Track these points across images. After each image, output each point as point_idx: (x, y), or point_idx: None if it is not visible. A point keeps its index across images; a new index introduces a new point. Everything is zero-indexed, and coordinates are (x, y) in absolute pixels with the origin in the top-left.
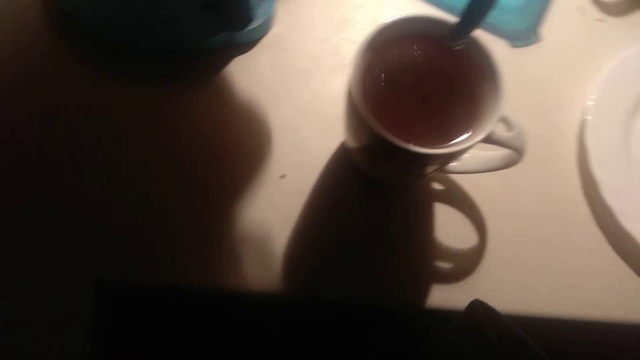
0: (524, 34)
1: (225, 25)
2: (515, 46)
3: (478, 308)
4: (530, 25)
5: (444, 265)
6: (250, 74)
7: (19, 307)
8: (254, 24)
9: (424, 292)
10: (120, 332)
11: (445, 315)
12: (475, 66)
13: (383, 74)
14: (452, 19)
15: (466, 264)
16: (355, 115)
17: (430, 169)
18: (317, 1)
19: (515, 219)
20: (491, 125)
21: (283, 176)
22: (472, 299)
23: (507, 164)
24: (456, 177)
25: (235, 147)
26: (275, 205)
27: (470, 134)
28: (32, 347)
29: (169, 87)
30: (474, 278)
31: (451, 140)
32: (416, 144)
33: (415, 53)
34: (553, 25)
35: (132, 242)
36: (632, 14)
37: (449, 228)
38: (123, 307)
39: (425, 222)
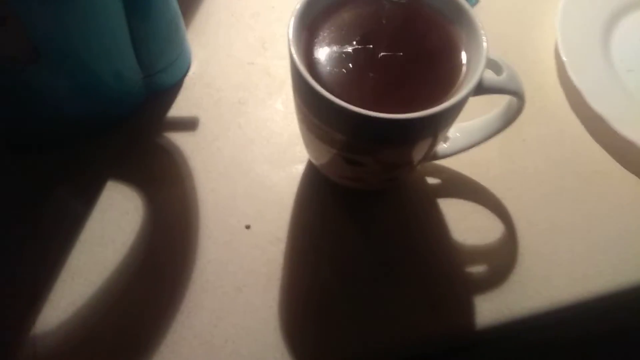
0: None
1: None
2: None
3: None
4: None
5: (478, 268)
6: (178, 122)
7: None
8: (169, 66)
9: (469, 310)
10: None
11: (502, 331)
12: (436, 13)
13: (334, 52)
14: None
15: (503, 255)
16: (320, 110)
17: (423, 145)
18: (228, 26)
19: (533, 184)
20: (480, 69)
21: (248, 227)
22: (528, 297)
23: (509, 118)
24: (450, 164)
25: (182, 209)
26: (249, 264)
27: (457, 87)
28: None
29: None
30: (521, 269)
31: (439, 102)
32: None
33: (363, 17)
34: None
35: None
36: None
37: (465, 223)
38: None
39: (435, 224)
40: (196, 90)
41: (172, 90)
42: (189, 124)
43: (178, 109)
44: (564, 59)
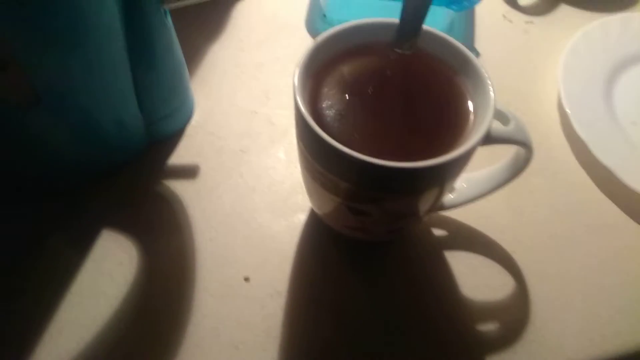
0: None
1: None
2: None
3: None
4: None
5: (489, 326)
6: (179, 170)
7: None
8: (172, 115)
9: None
10: None
11: None
12: (442, 64)
13: (339, 101)
14: (394, 21)
15: (515, 313)
16: (325, 158)
17: (430, 195)
18: (232, 76)
19: (543, 238)
20: (488, 119)
21: (247, 279)
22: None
23: (517, 169)
24: (457, 215)
25: (179, 260)
26: (246, 318)
27: (464, 137)
28: None
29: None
30: (535, 328)
31: (446, 151)
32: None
33: (368, 67)
34: (486, 39)
35: None
36: (554, 11)
37: (474, 277)
38: None
39: (442, 277)
40: (198, 139)
41: (173, 137)
42: (189, 172)
43: (179, 156)
44: (568, 111)
